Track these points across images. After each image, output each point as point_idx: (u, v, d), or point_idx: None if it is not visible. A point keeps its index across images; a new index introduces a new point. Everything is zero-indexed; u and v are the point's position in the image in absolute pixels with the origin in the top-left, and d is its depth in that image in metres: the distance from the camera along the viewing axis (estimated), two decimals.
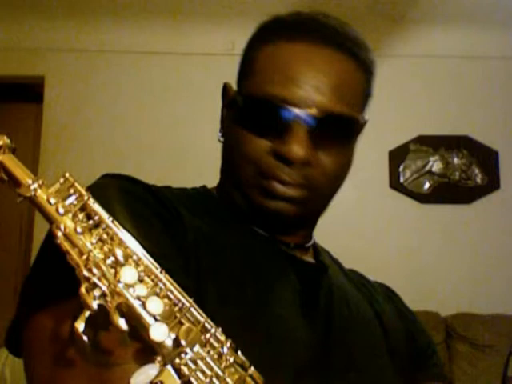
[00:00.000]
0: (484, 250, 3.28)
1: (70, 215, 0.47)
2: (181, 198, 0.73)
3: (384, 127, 3.19)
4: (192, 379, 0.42)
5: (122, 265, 0.45)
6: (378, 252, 3.25)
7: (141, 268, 0.47)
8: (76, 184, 0.49)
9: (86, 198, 0.48)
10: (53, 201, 0.46)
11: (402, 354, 0.81)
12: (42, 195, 0.46)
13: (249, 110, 0.73)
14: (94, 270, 0.44)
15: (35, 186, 0.46)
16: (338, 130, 0.72)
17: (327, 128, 0.70)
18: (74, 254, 0.45)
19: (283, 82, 0.70)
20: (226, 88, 0.81)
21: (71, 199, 0.48)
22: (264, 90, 0.70)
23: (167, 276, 0.48)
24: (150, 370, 0.43)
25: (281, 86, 0.69)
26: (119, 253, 0.46)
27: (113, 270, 0.45)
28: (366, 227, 3.33)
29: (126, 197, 0.63)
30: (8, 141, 0.46)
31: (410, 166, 3.39)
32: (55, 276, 0.53)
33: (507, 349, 2.74)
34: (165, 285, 0.47)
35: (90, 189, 0.50)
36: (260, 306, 0.67)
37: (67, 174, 0.48)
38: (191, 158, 3.28)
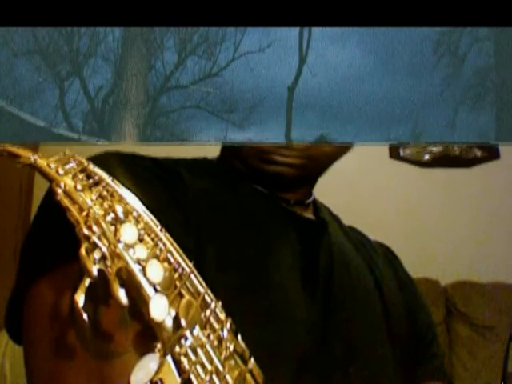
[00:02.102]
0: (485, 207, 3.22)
1: (70, 175, 0.47)
2: (180, 161, 0.74)
3: None
4: (192, 376, 0.42)
5: (122, 222, 0.46)
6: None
7: (141, 225, 0.47)
8: (76, 156, 0.50)
9: (85, 163, 0.50)
10: (53, 165, 0.48)
11: (402, 336, 0.80)
12: (42, 162, 0.48)
13: None
14: (94, 228, 0.44)
15: (35, 157, 0.48)
16: None
17: None
18: (73, 210, 0.45)
19: None
20: None
21: (71, 164, 0.49)
22: None
23: (167, 235, 0.48)
24: (150, 364, 0.42)
25: None
26: (119, 209, 0.46)
27: (113, 228, 0.45)
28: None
29: (127, 160, 0.63)
30: None
31: None
32: (54, 240, 0.53)
33: (507, 331, 2.69)
34: (165, 245, 0.47)
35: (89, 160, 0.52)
36: (260, 273, 0.67)
37: (67, 151, 0.50)
38: None
